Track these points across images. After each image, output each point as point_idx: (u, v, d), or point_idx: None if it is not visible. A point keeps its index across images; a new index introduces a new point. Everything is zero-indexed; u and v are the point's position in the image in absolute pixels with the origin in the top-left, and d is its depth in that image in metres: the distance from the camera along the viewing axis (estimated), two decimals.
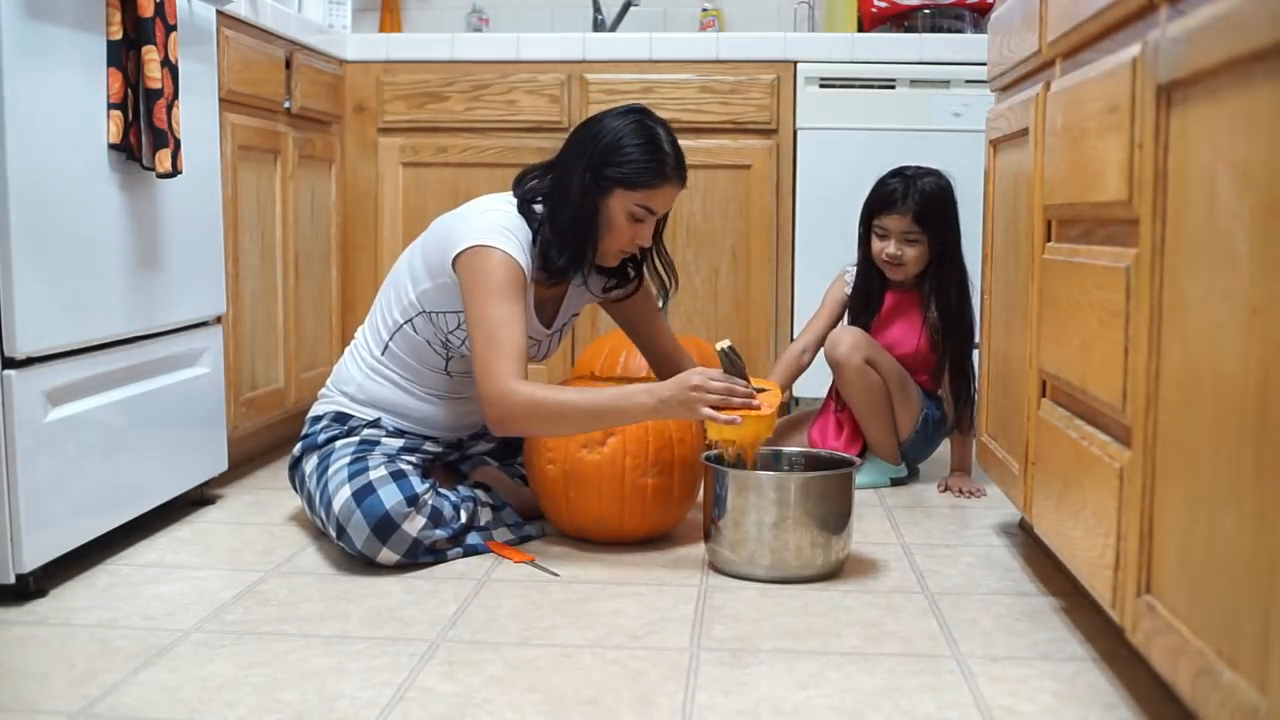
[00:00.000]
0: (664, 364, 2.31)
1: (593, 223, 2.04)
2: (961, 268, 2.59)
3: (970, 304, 2.58)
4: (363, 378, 2.17)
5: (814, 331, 2.68)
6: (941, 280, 2.58)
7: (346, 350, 2.25)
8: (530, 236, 2.04)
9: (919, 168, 2.59)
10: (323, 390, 2.25)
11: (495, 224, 2.01)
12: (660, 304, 2.28)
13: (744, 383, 1.91)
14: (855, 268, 2.67)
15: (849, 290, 2.67)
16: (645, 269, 2.21)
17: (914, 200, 2.53)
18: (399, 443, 2.14)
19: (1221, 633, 1.06)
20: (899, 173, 2.58)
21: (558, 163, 2.09)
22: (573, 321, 2.30)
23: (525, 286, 2.00)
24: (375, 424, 2.15)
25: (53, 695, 1.44)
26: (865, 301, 2.63)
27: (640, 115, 2.07)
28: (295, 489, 2.20)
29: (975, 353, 2.53)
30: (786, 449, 2.17)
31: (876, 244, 2.58)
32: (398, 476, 2.00)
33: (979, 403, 2.27)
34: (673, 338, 2.34)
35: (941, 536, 2.22)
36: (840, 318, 2.70)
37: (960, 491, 2.50)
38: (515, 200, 2.08)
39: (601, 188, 2.02)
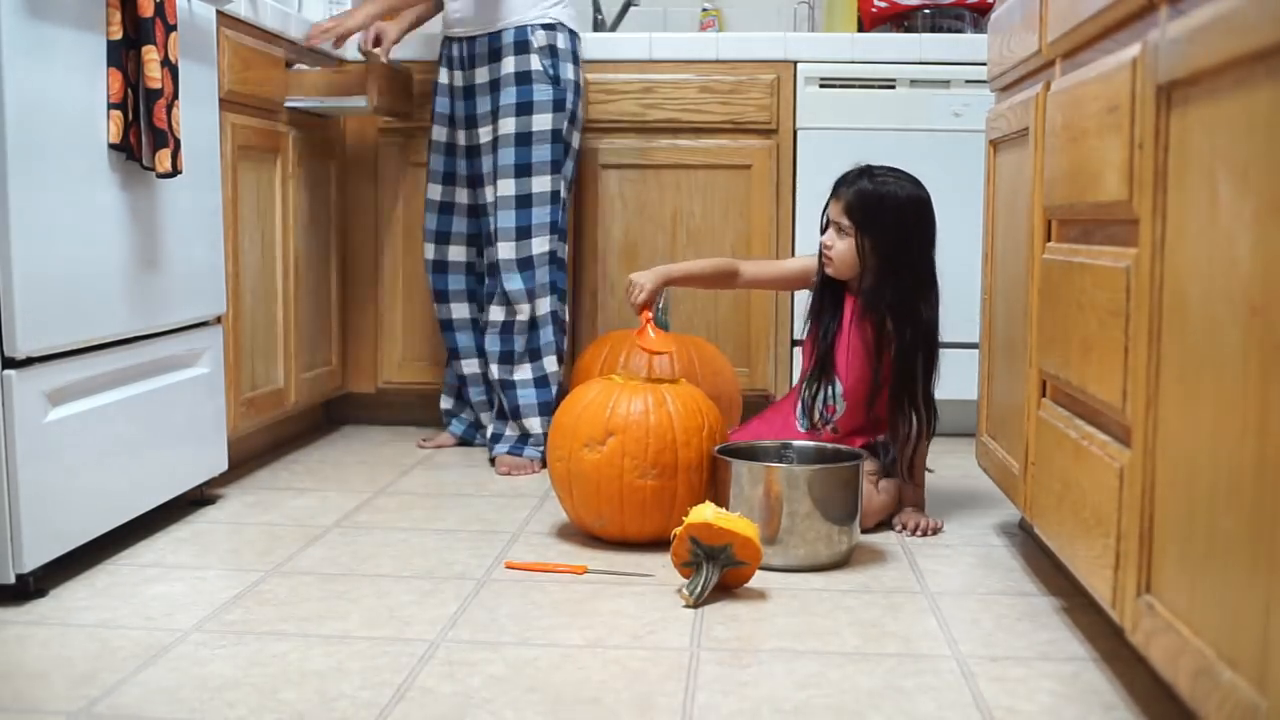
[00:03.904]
0: None
1: None
2: (905, 293, 2.25)
3: (917, 336, 2.25)
4: None
5: (765, 272, 2.54)
6: (879, 298, 2.26)
7: None
8: None
9: (895, 172, 2.33)
10: None
11: None
12: None
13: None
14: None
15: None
16: None
17: (854, 190, 2.28)
18: None
19: (1221, 633, 1.06)
20: (871, 166, 2.34)
21: None
22: None
23: None
24: None
25: (53, 695, 1.44)
26: (821, 302, 2.37)
27: None
28: None
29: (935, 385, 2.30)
30: (796, 443, 2.19)
31: (826, 230, 2.35)
32: None
33: (978, 404, 2.27)
34: None
35: (941, 536, 2.22)
36: (790, 288, 2.60)
37: (917, 529, 2.24)
38: None
39: None
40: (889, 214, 2.26)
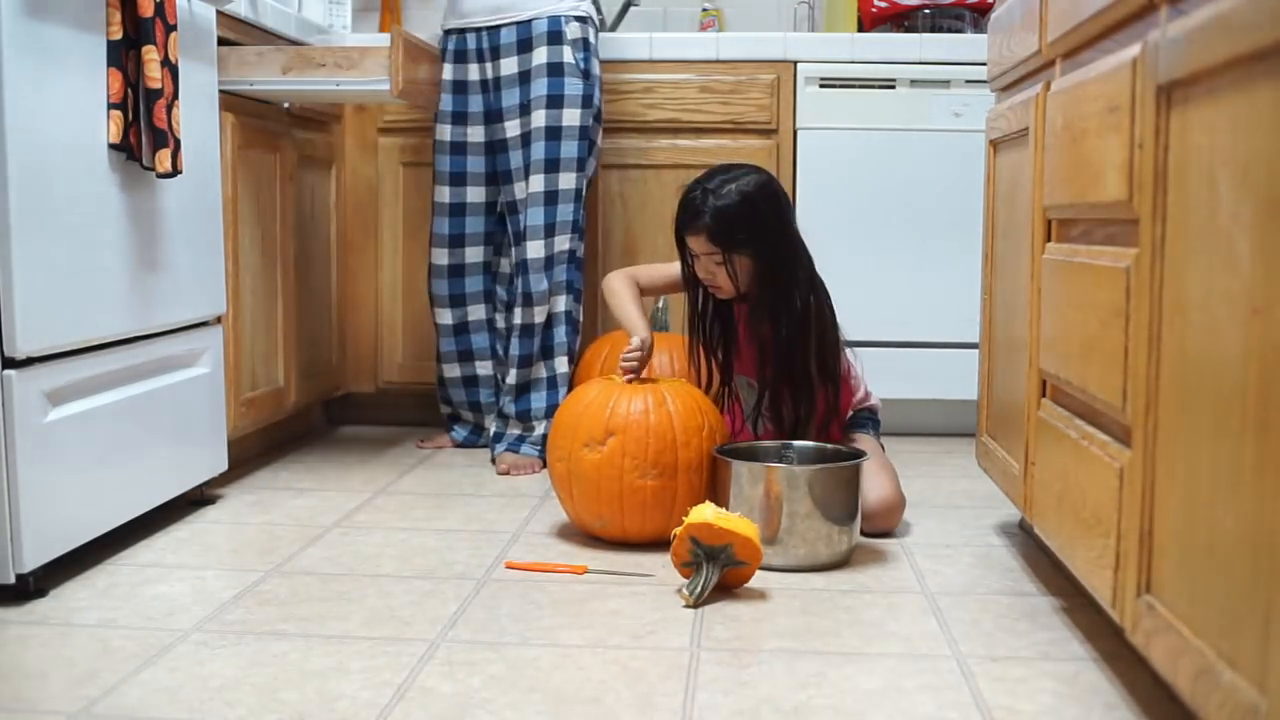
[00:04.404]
0: None
1: None
2: (791, 276, 2.21)
3: (808, 320, 2.21)
4: None
5: (656, 278, 2.43)
6: (763, 306, 2.21)
7: None
8: None
9: (729, 171, 2.24)
10: None
11: None
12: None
13: None
14: None
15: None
16: None
17: (708, 217, 2.18)
18: None
19: (1221, 633, 1.06)
20: (700, 182, 2.23)
21: None
22: None
23: None
24: None
25: (53, 695, 1.44)
26: (708, 318, 2.32)
27: None
28: None
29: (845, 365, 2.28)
30: (796, 443, 2.19)
31: (694, 263, 2.27)
32: None
33: (978, 404, 2.27)
34: None
35: (941, 536, 2.22)
36: (677, 291, 2.41)
37: None
38: None
39: None
40: (749, 220, 2.18)
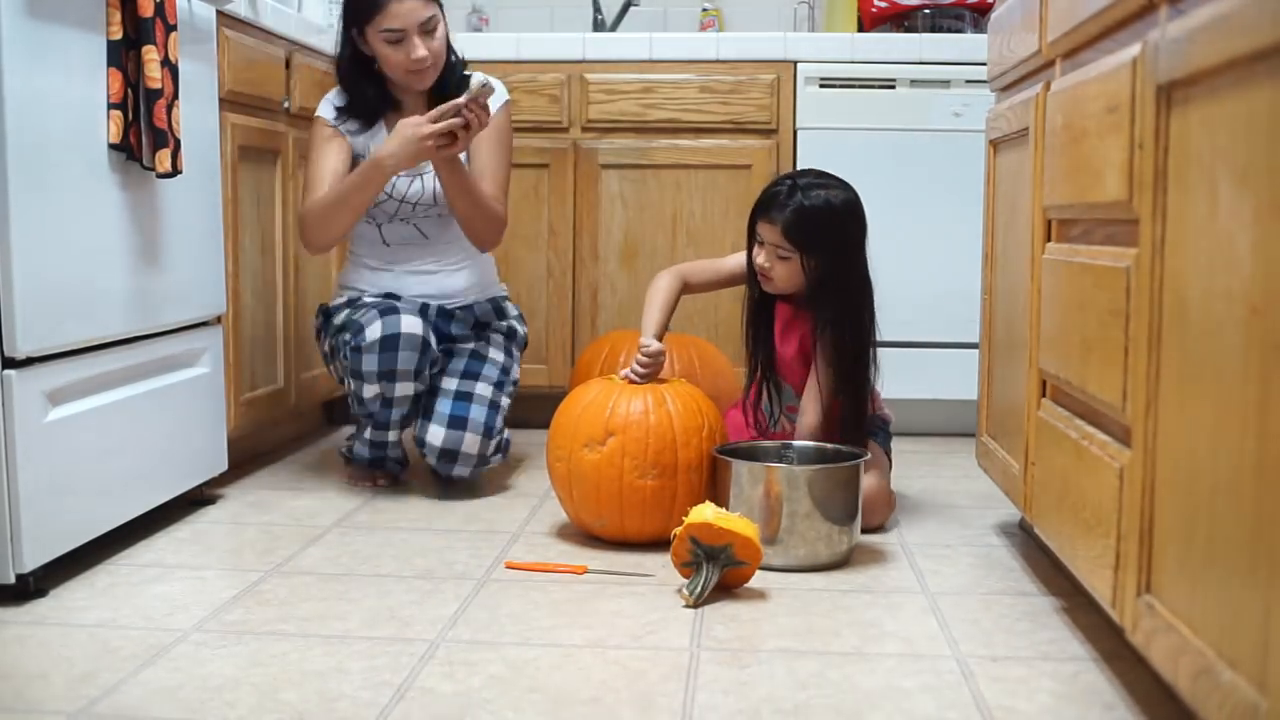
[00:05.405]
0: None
1: (362, 67, 2.47)
2: (848, 301, 2.22)
3: (853, 341, 2.23)
4: (348, 267, 2.64)
5: (706, 275, 2.42)
6: (823, 311, 2.22)
7: None
8: (344, 95, 2.52)
9: (820, 176, 2.26)
10: None
11: (323, 98, 2.56)
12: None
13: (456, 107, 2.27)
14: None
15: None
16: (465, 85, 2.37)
17: (789, 212, 2.18)
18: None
19: (1221, 633, 1.06)
20: (792, 176, 2.26)
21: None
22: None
23: (334, 133, 2.49)
24: (355, 303, 2.50)
25: (53, 695, 1.44)
26: (757, 312, 2.34)
27: None
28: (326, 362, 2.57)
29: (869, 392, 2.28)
30: (796, 443, 2.19)
31: (756, 248, 2.28)
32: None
33: (978, 404, 2.27)
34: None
35: (941, 536, 2.22)
36: (731, 286, 2.42)
37: None
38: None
39: (352, 37, 2.45)
40: (831, 229, 2.20)
